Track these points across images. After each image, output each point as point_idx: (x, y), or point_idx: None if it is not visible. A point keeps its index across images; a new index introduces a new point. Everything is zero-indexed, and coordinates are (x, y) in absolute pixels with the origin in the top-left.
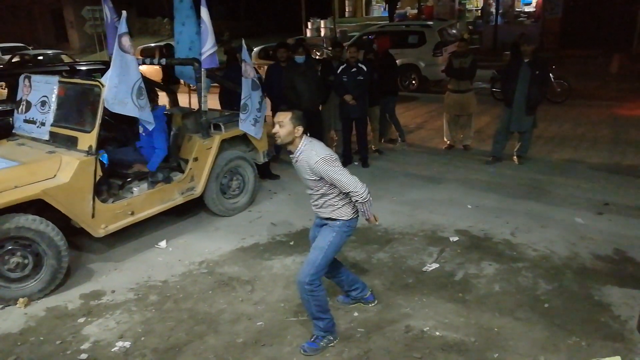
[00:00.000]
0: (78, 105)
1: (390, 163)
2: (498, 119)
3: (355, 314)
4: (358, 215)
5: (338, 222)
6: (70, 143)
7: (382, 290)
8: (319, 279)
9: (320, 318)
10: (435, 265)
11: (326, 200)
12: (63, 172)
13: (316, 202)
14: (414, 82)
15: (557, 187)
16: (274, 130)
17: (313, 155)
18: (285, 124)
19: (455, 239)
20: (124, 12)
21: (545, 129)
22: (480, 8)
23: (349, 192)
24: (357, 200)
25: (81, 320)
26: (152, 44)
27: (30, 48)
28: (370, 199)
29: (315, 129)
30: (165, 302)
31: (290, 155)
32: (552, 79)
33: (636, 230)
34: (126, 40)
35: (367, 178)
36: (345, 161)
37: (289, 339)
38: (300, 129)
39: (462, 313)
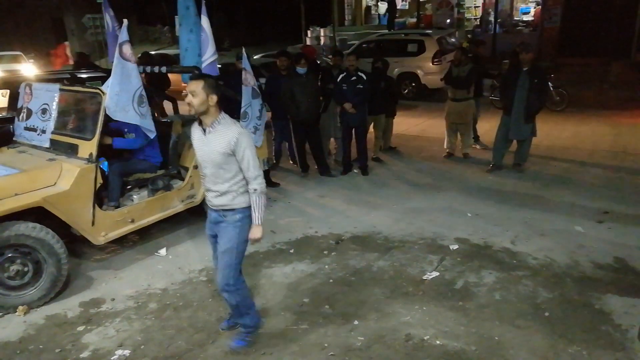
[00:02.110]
0: (79, 112)
1: (389, 171)
2: (497, 127)
3: (355, 322)
4: None
5: (237, 215)
6: (71, 150)
7: (383, 299)
8: (240, 275)
9: (247, 313)
10: (435, 274)
11: (229, 185)
12: (63, 179)
13: (217, 187)
14: (412, 90)
15: (557, 195)
16: (187, 100)
17: (234, 128)
18: (197, 93)
19: (455, 247)
20: (125, 21)
21: (544, 137)
22: (479, 17)
23: (255, 175)
24: (255, 189)
25: (81, 328)
26: (153, 52)
27: (28, 57)
28: (265, 199)
29: (313, 139)
30: (165, 310)
31: (202, 127)
32: (551, 88)
33: (636, 238)
34: (127, 49)
35: (367, 186)
36: (345, 169)
37: (290, 346)
38: (214, 97)
39: (462, 322)
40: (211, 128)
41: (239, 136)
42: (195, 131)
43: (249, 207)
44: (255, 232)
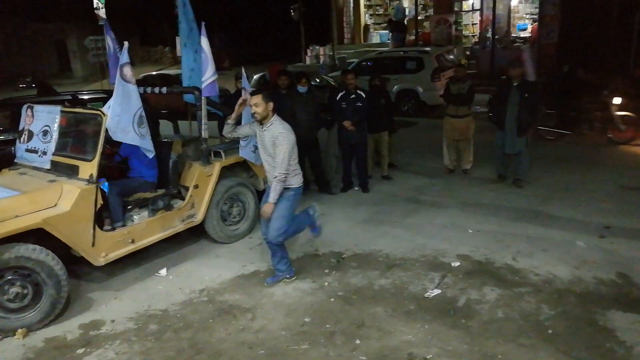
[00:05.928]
0: (79, 134)
1: (390, 188)
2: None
3: (357, 341)
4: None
5: (291, 192)
6: (72, 172)
7: (384, 317)
8: (284, 236)
9: (285, 259)
10: (437, 291)
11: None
12: (64, 200)
13: (272, 170)
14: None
15: (558, 210)
16: (252, 111)
17: (279, 127)
18: (260, 104)
19: (457, 264)
20: (126, 43)
21: (543, 152)
22: (477, 34)
23: (278, 167)
24: (275, 177)
25: (80, 351)
26: (154, 72)
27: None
28: (282, 187)
29: (313, 156)
30: (165, 332)
31: (260, 126)
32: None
33: (638, 253)
34: (128, 70)
35: (367, 203)
36: (345, 187)
37: None
38: (271, 104)
39: (465, 340)
40: (267, 127)
41: (277, 135)
42: (258, 129)
43: (299, 187)
44: (266, 208)
